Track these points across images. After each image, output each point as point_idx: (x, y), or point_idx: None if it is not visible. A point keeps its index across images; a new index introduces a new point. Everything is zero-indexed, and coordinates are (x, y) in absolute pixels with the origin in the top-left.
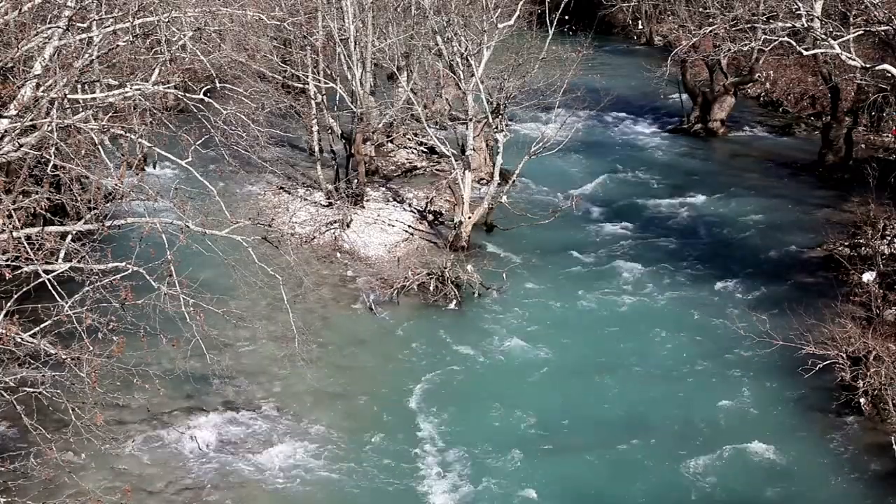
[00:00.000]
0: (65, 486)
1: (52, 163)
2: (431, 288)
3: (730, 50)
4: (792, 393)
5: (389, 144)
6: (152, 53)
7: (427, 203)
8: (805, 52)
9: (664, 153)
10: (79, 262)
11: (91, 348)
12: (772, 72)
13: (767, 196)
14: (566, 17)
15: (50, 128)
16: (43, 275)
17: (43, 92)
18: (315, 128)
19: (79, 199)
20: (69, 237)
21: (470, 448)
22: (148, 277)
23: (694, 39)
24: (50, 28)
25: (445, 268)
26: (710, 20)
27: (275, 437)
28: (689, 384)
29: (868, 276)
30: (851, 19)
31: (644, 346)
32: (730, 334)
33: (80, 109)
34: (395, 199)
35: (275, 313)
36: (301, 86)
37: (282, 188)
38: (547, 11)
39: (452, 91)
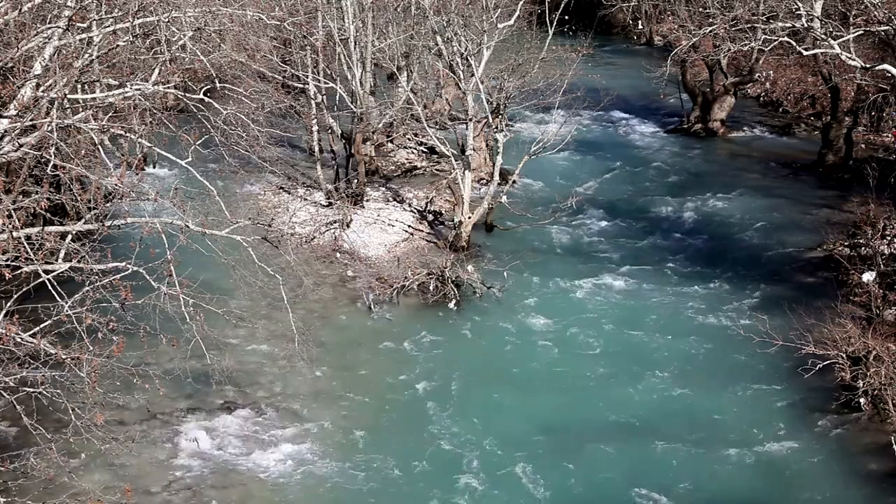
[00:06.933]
0: (65, 486)
1: (52, 163)
2: (431, 288)
3: (730, 50)
4: (792, 393)
5: (389, 144)
6: (152, 53)
7: (427, 203)
8: (805, 52)
9: (664, 153)
10: (79, 262)
11: (91, 348)
12: (772, 72)
13: (767, 196)
14: (566, 17)
15: (50, 128)
16: (43, 275)
17: (43, 92)
18: (315, 128)
19: (79, 199)
20: (69, 237)
21: (470, 448)
22: (148, 277)
23: (694, 39)
24: (50, 28)
25: (445, 268)
26: (710, 20)
27: (275, 437)
28: (689, 384)
29: (868, 276)
30: (851, 19)
31: (644, 346)
32: (730, 334)
33: (80, 109)
34: (395, 199)
35: (275, 313)
36: (301, 86)
37: (282, 188)
38: (547, 11)
39: (452, 91)
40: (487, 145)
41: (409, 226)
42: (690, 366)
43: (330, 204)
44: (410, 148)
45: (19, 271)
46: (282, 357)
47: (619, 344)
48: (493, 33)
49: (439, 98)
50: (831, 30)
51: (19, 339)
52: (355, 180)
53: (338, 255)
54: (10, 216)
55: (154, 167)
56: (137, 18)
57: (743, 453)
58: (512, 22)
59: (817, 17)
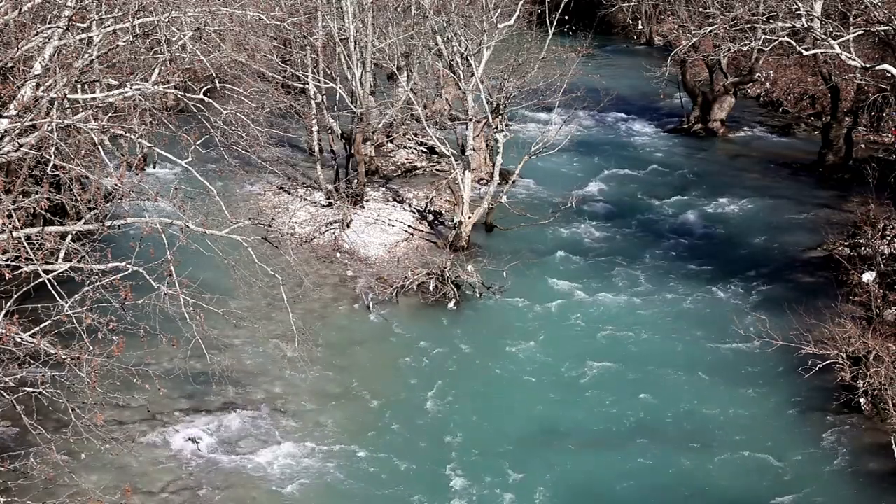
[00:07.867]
0: (65, 486)
1: (52, 163)
2: (431, 288)
3: (730, 50)
4: (792, 393)
5: (389, 144)
6: (152, 53)
7: (427, 203)
8: (805, 52)
9: (664, 153)
10: (79, 262)
11: (91, 348)
12: (772, 72)
13: (767, 196)
14: (566, 17)
15: (50, 128)
16: (43, 275)
17: (43, 92)
18: (315, 128)
19: (79, 199)
20: (69, 237)
21: (469, 448)
22: (148, 277)
23: (694, 39)
24: (50, 28)
25: (445, 268)
26: (710, 20)
27: (275, 437)
28: (688, 384)
29: (868, 276)
30: (851, 19)
31: (644, 346)
32: (730, 334)
33: (80, 109)
34: (395, 199)
35: (275, 313)
36: (301, 86)
37: (282, 188)
38: (547, 11)
39: (452, 91)
40: (487, 145)
41: (409, 226)
42: (690, 366)
43: (330, 204)
44: (410, 148)
45: (19, 271)
46: (282, 357)
47: (618, 344)
48: (493, 33)
49: (439, 98)
50: (831, 30)
51: (19, 339)
52: (355, 180)
53: (338, 255)
54: (10, 216)
55: (154, 167)
56: (137, 18)
57: (742, 453)
58: (512, 22)
59: (817, 17)
